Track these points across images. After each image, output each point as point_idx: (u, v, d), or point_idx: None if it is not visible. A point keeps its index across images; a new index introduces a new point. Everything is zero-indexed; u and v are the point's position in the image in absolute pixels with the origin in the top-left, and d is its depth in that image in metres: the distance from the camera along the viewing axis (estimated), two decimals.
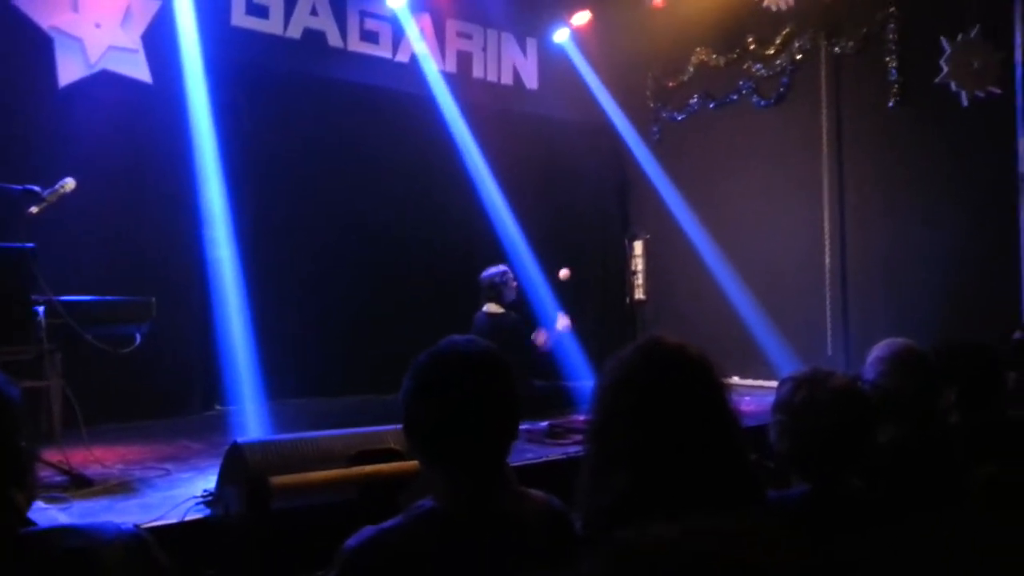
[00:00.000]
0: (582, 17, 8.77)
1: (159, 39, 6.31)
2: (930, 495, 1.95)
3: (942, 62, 6.41)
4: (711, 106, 8.60)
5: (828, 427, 1.84)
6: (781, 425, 1.94)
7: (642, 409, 1.42)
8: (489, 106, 8.31)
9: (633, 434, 1.42)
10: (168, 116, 6.24)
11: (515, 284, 6.26)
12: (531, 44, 8.98)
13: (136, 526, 1.31)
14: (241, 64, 6.80)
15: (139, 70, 6.23)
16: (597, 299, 9.15)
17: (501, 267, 6.27)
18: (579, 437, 4.15)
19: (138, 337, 4.27)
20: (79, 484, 3.70)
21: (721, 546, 1.17)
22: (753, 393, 6.06)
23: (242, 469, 2.74)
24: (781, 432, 1.94)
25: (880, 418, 2.21)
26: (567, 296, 8.18)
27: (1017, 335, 3.17)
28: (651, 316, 8.99)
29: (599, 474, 1.47)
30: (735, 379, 7.32)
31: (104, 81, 6.03)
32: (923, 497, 1.93)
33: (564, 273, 6.56)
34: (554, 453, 4.35)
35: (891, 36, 6.99)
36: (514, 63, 8.88)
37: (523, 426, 5.00)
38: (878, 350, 2.55)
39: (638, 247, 9.34)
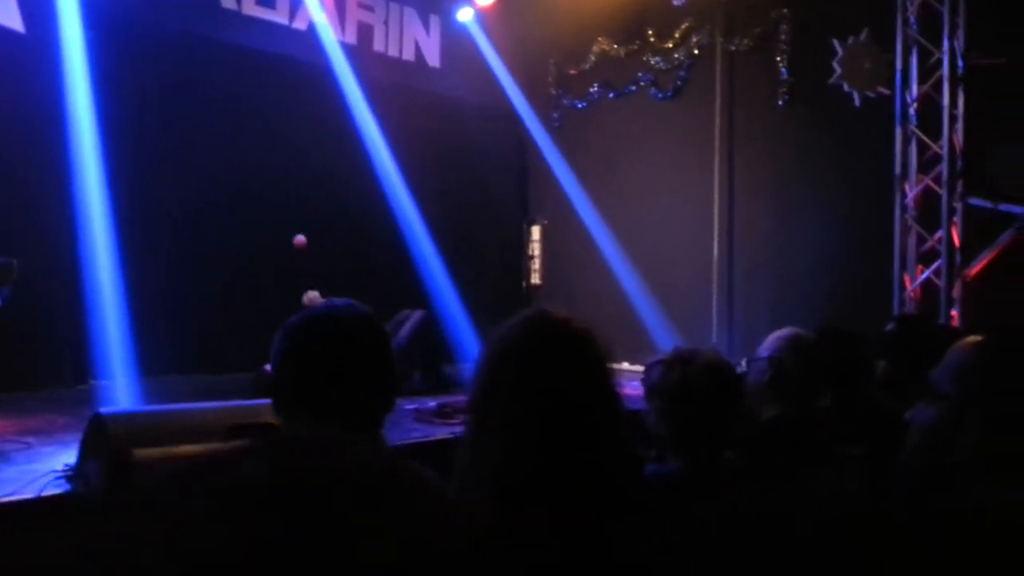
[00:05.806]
0: None
1: None
2: (796, 468, 2.00)
3: (835, 63, 6.63)
4: (611, 96, 8.69)
5: (706, 402, 1.85)
6: (659, 410, 1.93)
7: (523, 381, 1.39)
8: (389, 81, 8.15)
9: (513, 406, 1.39)
10: (41, 69, 5.87)
11: None
12: (434, 21, 8.86)
13: None
14: (125, 20, 6.41)
15: (11, 18, 5.83)
16: (493, 282, 9.13)
17: None
18: None
19: None
20: None
21: None
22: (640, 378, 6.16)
23: (104, 441, 2.58)
24: (660, 416, 1.93)
25: (768, 397, 2.27)
26: (464, 278, 8.16)
27: (889, 326, 3.30)
28: (547, 300, 9.05)
29: (476, 447, 1.43)
30: (625, 364, 7.42)
31: None
32: (788, 469, 1.97)
33: (299, 240, 6.19)
34: (442, 432, 4.32)
35: (783, 37, 7.22)
36: (416, 39, 8.73)
37: (411, 405, 4.94)
38: (780, 332, 2.60)
39: (536, 232, 9.42)
